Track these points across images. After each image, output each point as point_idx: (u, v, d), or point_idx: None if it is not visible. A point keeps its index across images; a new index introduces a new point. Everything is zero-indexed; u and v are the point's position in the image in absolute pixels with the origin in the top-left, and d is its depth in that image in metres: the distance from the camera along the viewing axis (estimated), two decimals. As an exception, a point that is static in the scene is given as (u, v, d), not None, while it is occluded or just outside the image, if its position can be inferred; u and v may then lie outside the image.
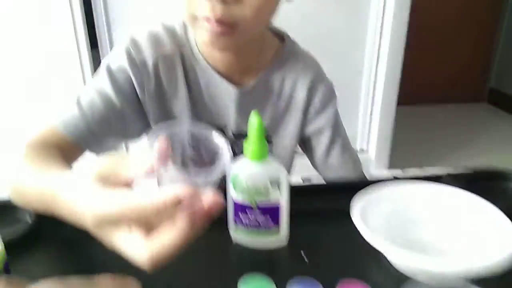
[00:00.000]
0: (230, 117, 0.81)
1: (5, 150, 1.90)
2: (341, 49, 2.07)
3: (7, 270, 0.45)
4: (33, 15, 1.81)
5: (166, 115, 0.80)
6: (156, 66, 0.76)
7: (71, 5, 1.81)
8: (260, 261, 0.54)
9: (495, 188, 0.67)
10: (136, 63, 0.75)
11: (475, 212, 0.56)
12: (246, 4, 0.63)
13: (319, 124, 0.85)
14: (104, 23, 1.88)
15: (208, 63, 0.78)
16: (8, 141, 1.92)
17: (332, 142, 0.85)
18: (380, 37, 2.11)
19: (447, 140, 2.77)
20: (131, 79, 0.75)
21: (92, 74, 1.94)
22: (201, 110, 0.81)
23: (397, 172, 0.75)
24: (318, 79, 0.84)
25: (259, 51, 0.79)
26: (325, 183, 0.79)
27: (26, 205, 0.56)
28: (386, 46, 2.10)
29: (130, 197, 0.38)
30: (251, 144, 0.52)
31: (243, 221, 0.55)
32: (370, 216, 0.54)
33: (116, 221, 0.39)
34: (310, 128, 0.85)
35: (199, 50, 0.77)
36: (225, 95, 0.79)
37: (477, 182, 0.65)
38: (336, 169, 0.86)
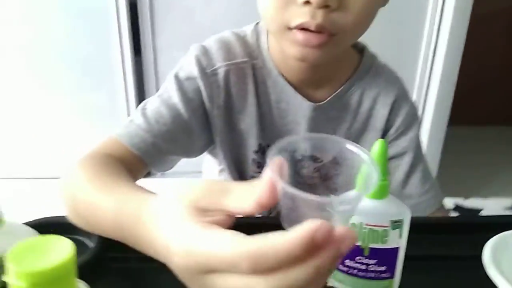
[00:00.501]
0: None
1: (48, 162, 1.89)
2: (394, 63, 1.97)
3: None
4: (77, 22, 1.79)
5: (232, 130, 0.73)
6: (227, 77, 0.69)
7: (117, 10, 1.77)
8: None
9: None
10: (207, 72, 0.69)
11: None
12: (351, 10, 0.56)
13: (400, 147, 0.76)
14: (150, 29, 1.83)
15: (281, 75, 0.70)
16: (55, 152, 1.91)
17: (412, 169, 0.76)
18: (434, 54, 2.00)
19: (494, 163, 2.59)
20: (200, 89, 0.68)
21: (134, 81, 1.90)
22: (269, 128, 0.74)
23: (458, 200, 0.65)
24: (402, 97, 0.76)
25: (337, 63, 0.71)
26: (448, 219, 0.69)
27: (88, 226, 0.47)
28: (440, 62, 2.00)
29: (245, 238, 0.28)
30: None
31: (350, 266, 0.46)
32: (505, 267, 0.44)
33: (223, 269, 0.29)
34: (390, 151, 0.76)
35: (272, 62, 0.70)
36: (297, 111, 0.72)
37: None
38: (415, 200, 0.76)
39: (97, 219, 0.44)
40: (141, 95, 1.92)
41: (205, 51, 0.70)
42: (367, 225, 0.43)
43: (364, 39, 0.76)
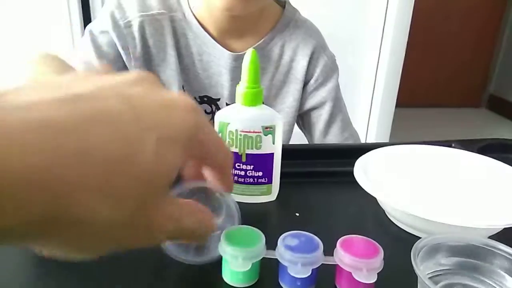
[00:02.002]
0: (224, 87, 0.76)
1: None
2: (341, 50, 2.02)
3: None
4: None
5: None
6: (142, 28, 0.71)
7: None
8: (248, 218, 0.48)
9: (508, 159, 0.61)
10: (120, 24, 0.70)
11: (489, 174, 0.50)
12: None
13: (320, 97, 0.80)
14: None
15: (203, 27, 0.72)
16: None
17: (332, 118, 0.80)
18: (381, 39, 2.07)
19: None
20: (113, 42, 0.70)
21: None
22: (193, 79, 0.76)
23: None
24: (320, 49, 0.79)
25: (259, 15, 0.74)
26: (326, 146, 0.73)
27: None
28: (387, 48, 2.07)
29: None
30: (243, 86, 0.46)
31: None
32: (373, 176, 0.48)
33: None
34: (310, 102, 0.80)
35: (193, 15, 0.72)
36: (219, 61, 0.74)
37: (489, 150, 0.60)
38: None
39: None
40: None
41: (119, 5, 0.71)
42: (241, 131, 0.47)
43: (313, 21, 0.80)
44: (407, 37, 2.05)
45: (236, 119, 0.47)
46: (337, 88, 0.81)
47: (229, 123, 0.47)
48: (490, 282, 0.34)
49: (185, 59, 0.74)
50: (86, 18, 1.77)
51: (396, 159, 0.53)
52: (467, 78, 3.31)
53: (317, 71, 0.78)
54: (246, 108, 0.47)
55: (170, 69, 0.73)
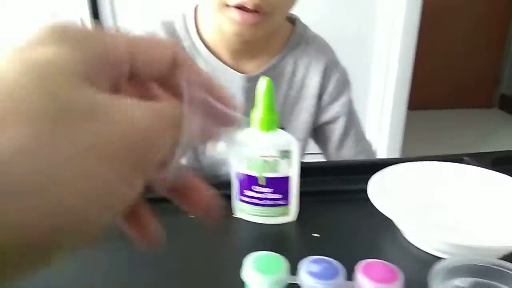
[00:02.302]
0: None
1: None
2: (351, 54, 2.02)
3: None
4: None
5: None
6: None
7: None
8: (268, 240, 0.50)
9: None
10: None
11: (501, 191, 0.51)
12: None
13: (334, 112, 0.81)
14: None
15: (212, 53, 0.74)
16: None
17: (346, 132, 0.81)
18: (391, 41, 2.08)
19: (456, 145, 2.71)
20: None
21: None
22: None
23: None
24: (332, 64, 0.81)
25: (270, 35, 0.75)
26: (340, 163, 0.74)
27: None
28: (396, 51, 2.07)
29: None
30: (260, 112, 0.48)
31: (249, 196, 0.51)
32: (388, 196, 0.49)
33: None
34: (324, 117, 0.81)
35: (201, 41, 0.74)
36: (231, 84, 0.75)
37: (500, 164, 0.61)
38: None
39: None
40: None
41: None
42: (259, 156, 0.49)
43: (322, 23, 0.81)
44: (416, 39, 2.05)
45: (254, 144, 0.49)
46: (350, 103, 0.82)
47: (244, 146, 0.49)
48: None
49: None
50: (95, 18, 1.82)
51: (410, 176, 0.54)
52: (478, 78, 3.29)
53: (330, 87, 0.80)
54: (263, 133, 0.49)
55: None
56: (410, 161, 0.56)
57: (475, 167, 0.55)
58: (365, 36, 2.06)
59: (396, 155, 2.28)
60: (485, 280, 0.36)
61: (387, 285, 0.34)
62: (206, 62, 0.75)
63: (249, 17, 0.61)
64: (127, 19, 1.85)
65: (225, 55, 0.75)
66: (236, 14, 0.61)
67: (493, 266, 0.36)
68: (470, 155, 0.62)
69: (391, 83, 2.14)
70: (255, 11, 0.61)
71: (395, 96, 2.15)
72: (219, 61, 0.74)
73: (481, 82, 3.30)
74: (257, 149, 0.49)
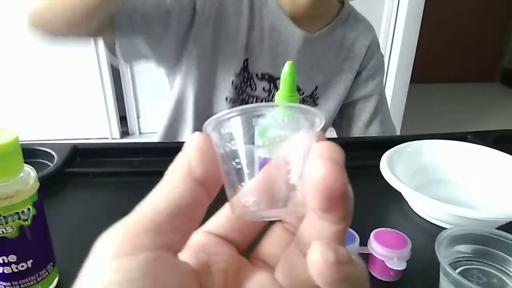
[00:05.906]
0: None
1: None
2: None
3: (39, 208, 0.40)
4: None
5: (215, 50, 0.74)
6: None
7: None
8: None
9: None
10: None
11: (500, 168, 0.56)
12: None
13: (368, 89, 0.84)
14: None
15: (278, 4, 0.74)
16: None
17: (376, 110, 0.85)
18: (396, 15, 2.08)
19: (458, 118, 2.75)
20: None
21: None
22: (258, 56, 0.76)
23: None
24: (375, 45, 0.84)
25: (330, 2, 0.78)
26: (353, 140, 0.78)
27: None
28: (401, 24, 2.08)
29: None
30: (281, 95, 0.52)
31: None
32: (398, 171, 0.54)
33: None
34: (358, 94, 0.84)
35: None
36: (288, 41, 0.76)
37: (501, 142, 0.65)
38: None
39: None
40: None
41: None
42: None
43: None
44: (421, 13, 2.06)
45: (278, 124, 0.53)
46: (382, 84, 0.86)
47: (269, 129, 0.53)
48: (501, 268, 0.41)
49: (255, 34, 0.75)
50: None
51: (419, 153, 0.59)
52: (480, 52, 3.29)
53: (370, 64, 0.83)
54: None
55: (237, 41, 0.74)
56: (419, 139, 0.60)
57: (478, 145, 0.59)
58: (370, 10, 2.05)
59: (397, 128, 2.32)
60: (484, 247, 0.41)
61: (397, 250, 0.39)
62: (270, 11, 0.74)
63: None
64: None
65: (289, 11, 0.75)
66: None
67: (492, 235, 0.41)
68: (474, 133, 0.66)
69: (395, 55, 2.16)
70: None
71: (398, 69, 2.17)
72: (283, 14, 0.74)
73: (483, 56, 3.30)
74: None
